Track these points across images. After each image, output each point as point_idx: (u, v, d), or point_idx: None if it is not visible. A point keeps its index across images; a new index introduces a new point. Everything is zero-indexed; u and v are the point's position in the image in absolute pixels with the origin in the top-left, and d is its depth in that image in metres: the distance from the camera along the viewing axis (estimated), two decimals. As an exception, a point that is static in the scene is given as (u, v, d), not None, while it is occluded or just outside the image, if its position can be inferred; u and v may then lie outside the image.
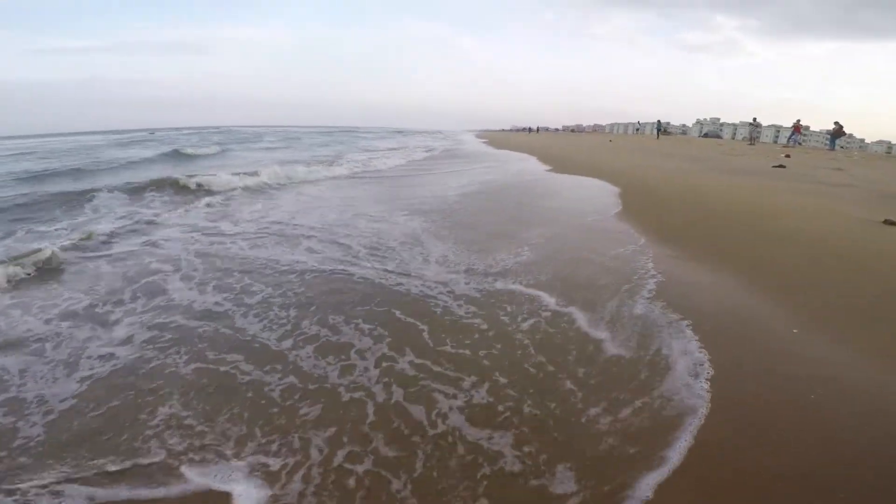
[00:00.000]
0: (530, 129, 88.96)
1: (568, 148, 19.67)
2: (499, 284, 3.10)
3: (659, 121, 31.90)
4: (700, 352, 2.20)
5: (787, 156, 13.29)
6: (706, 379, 2.00)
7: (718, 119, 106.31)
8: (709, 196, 6.26)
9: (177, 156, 14.75)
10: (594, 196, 6.62)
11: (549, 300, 2.83)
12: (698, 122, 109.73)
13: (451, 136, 49.80)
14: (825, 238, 4.04)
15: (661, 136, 31.12)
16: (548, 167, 11.37)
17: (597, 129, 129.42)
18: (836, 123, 19.02)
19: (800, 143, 22.95)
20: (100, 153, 16.78)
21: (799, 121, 23.08)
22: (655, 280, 3.12)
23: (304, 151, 18.76)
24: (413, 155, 16.65)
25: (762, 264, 3.48)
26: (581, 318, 2.57)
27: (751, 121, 23.00)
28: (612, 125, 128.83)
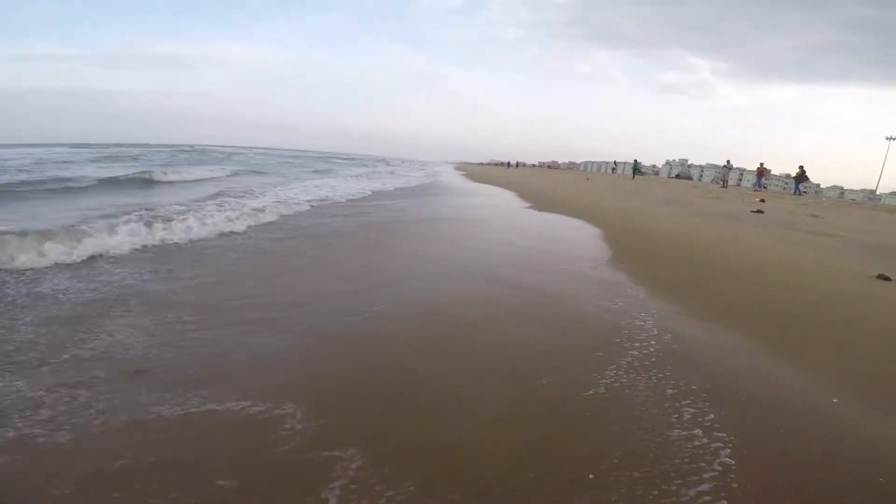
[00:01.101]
0: (508, 164, 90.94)
1: (546, 184, 19.69)
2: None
3: (636, 160, 32.90)
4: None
5: (762, 200, 13.49)
6: None
7: (687, 160, 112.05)
8: (700, 244, 5.94)
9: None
10: (580, 239, 6.18)
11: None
12: (668, 162, 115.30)
13: (428, 166, 50.05)
14: (831, 297, 3.79)
15: (636, 175, 32.00)
16: (527, 203, 11.05)
17: (571, 167, 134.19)
18: (800, 167, 19.83)
19: (764, 187, 23.87)
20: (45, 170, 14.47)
21: (762, 164, 24.11)
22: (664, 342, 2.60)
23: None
24: (385, 185, 16.06)
25: (777, 326, 3.11)
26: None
27: (724, 163, 23.80)
28: (585, 163, 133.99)
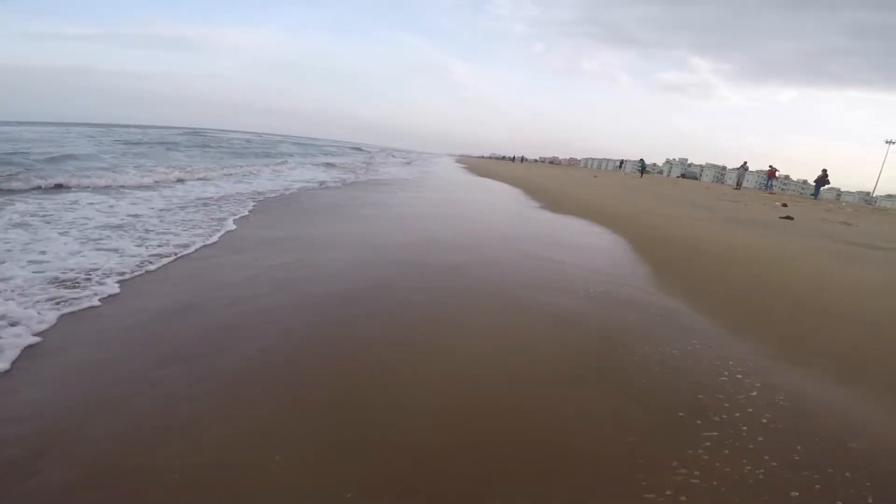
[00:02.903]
0: (513, 158, 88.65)
1: (553, 181, 18.90)
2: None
3: (642, 160, 32.20)
4: None
5: (784, 205, 12.81)
6: None
7: (686, 160, 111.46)
8: (743, 256, 5.22)
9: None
10: (608, 250, 5.44)
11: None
12: (668, 161, 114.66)
13: (429, 159, 48.90)
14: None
15: (643, 174, 31.31)
16: (536, 203, 10.31)
17: (573, 163, 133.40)
18: (822, 171, 19.12)
19: (772, 191, 23.22)
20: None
21: (772, 166, 23.44)
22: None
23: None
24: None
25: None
26: None
27: (740, 164, 23.13)
28: (586, 159, 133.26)
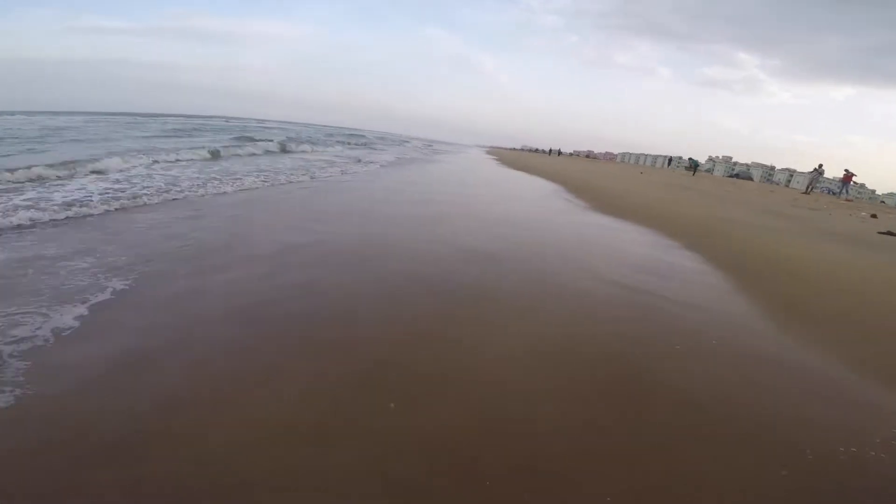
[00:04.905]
0: (549, 151, 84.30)
1: (597, 176, 17.46)
2: None
3: (691, 158, 30.02)
4: None
5: (873, 215, 11.13)
6: None
7: (731, 157, 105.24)
8: (876, 290, 4.05)
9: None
10: (697, 274, 4.38)
11: None
12: (711, 158, 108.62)
13: (462, 150, 47.95)
14: None
15: (695, 173, 29.17)
16: (582, 202, 9.20)
17: (608, 158, 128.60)
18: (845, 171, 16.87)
19: (848, 197, 20.91)
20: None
21: (848, 170, 21.09)
22: None
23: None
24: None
25: None
26: None
27: (815, 166, 20.86)
28: (623, 154, 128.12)
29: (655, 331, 2.78)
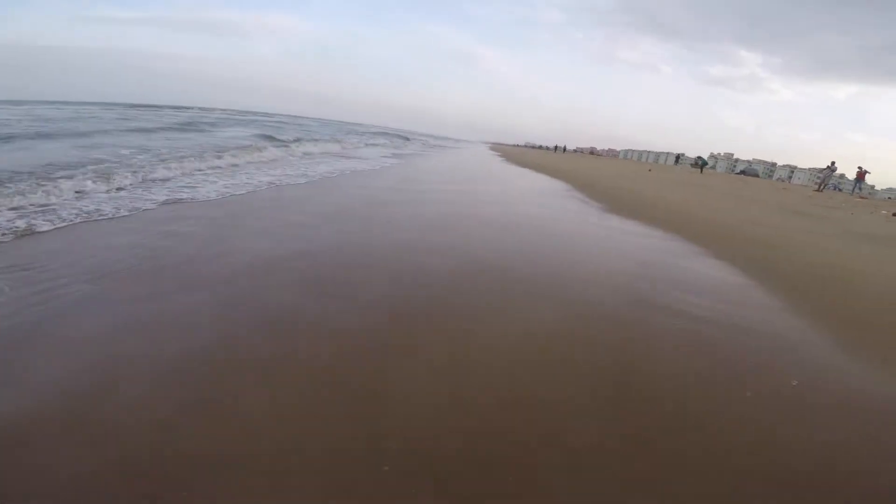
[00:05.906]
0: (555, 148, 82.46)
1: (602, 175, 16.87)
2: None
3: (699, 157, 29.42)
4: None
5: (895, 214, 10.59)
6: None
7: (732, 154, 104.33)
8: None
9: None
10: (736, 288, 3.85)
11: None
12: (713, 155, 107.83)
13: (466, 146, 47.42)
14: None
15: (702, 171, 28.60)
16: (597, 203, 8.66)
17: (611, 154, 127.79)
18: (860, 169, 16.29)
19: (862, 194, 20.34)
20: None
21: (861, 167, 20.51)
22: None
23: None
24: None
25: None
26: None
27: (828, 164, 20.35)
28: (626, 151, 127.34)
29: (712, 372, 2.27)
